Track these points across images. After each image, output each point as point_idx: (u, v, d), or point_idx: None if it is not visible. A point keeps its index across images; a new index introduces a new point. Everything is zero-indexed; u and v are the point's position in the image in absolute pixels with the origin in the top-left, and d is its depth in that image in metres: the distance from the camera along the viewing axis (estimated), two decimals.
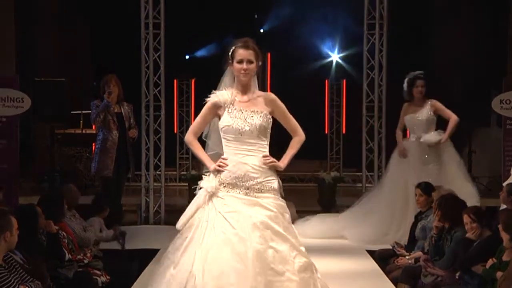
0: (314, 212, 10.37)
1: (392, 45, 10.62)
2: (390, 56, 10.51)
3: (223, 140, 4.73)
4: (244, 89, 4.78)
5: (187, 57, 15.55)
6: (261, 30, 15.35)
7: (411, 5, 13.34)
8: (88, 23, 14.46)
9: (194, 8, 15.10)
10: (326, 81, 14.08)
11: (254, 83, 4.83)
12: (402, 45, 12.64)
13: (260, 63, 4.80)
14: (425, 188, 7.57)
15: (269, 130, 4.76)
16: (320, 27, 15.14)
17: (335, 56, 15.23)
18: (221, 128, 4.73)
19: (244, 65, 4.72)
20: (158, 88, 10.27)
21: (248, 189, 4.65)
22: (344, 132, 13.82)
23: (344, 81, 13.92)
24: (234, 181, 4.65)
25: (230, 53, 4.78)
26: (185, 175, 11.52)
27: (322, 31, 15.27)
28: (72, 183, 8.22)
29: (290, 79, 14.67)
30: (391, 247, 7.56)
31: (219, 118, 4.76)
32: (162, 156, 10.31)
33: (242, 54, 4.74)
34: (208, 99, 4.80)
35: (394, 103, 10.73)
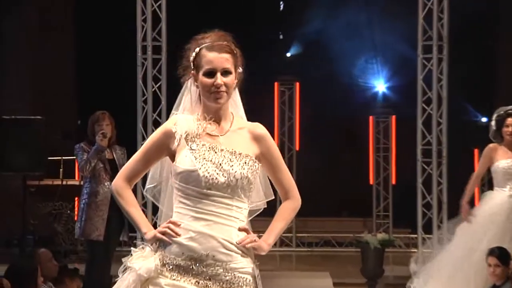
0: (356, 285, 10.22)
1: (454, 73, 10.57)
2: (452, 87, 10.45)
3: (175, 194, 3.76)
4: (218, 116, 3.74)
5: None
6: (288, 54, 15.42)
7: (477, 21, 13.33)
8: (72, 47, 14.58)
9: (204, 26, 15.16)
10: (370, 118, 14.02)
11: (235, 105, 3.83)
12: (467, 72, 12.60)
13: (240, 69, 3.78)
14: (501, 255, 7.45)
15: (253, 186, 3.73)
16: (362, 49, 15.15)
17: (381, 86, 15.21)
18: (177, 174, 3.69)
19: (218, 79, 3.66)
20: None
21: (210, 279, 3.61)
22: (394, 182, 13.73)
23: (393, 118, 13.86)
24: (189, 263, 3.61)
25: (192, 57, 3.74)
26: None
27: (365, 54, 15.28)
28: (48, 249, 8.17)
29: (324, 115, 14.63)
30: None
31: (172, 158, 3.75)
32: (163, 213, 10.24)
33: (213, 61, 3.68)
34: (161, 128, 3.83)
35: (456, 146, 10.58)
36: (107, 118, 8.63)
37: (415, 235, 10.98)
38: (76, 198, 11.24)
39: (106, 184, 8.53)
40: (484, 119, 14.94)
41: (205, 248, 3.59)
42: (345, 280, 10.22)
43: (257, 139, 3.75)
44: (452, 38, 10.49)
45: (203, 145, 3.67)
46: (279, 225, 3.81)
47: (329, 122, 14.60)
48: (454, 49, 10.67)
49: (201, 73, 3.68)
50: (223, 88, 3.65)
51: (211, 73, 3.66)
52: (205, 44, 3.70)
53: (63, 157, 11.55)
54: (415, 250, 10.99)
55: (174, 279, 3.60)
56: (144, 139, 10.19)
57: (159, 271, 3.61)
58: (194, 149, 3.66)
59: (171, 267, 3.61)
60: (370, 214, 13.81)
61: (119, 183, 3.85)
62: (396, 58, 14.59)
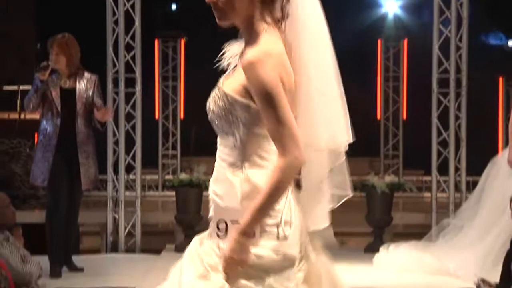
0: (361, 234, 10.33)
1: None
2: (474, 5, 10.43)
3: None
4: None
5: (173, 7, 15.54)
6: None
7: None
8: None
9: None
10: (379, 41, 14.04)
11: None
12: None
13: None
14: None
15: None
16: None
17: (391, 5, 15.18)
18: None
19: None
20: (132, 53, 10.25)
21: None
22: (405, 117, 13.80)
23: (405, 42, 13.87)
24: None
25: None
26: (172, 181, 11.49)
27: None
28: (5, 193, 8.21)
29: None
30: (474, 286, 7.58)
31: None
32: (137, 153, 10.29)
33: None
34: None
35: (478, 74, 10.60)
36: (58, 45, 8.54)
37: (429, 178, 11.04)
38: (36, 134, 11.26)
39: (55, 120, 8.52)
40: (511, 43, 14.98)
41: None
42: (348, 229, 10.30)
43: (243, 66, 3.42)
44: None
45: None
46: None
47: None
48: None
49: None
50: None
51: None
52: None
53: (21, 87, 11.51)
54: (429, 194, 11.08)
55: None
56: (115, 66, 10.19)
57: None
58: None
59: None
60: (377, 153, 13.88)
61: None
62: None
